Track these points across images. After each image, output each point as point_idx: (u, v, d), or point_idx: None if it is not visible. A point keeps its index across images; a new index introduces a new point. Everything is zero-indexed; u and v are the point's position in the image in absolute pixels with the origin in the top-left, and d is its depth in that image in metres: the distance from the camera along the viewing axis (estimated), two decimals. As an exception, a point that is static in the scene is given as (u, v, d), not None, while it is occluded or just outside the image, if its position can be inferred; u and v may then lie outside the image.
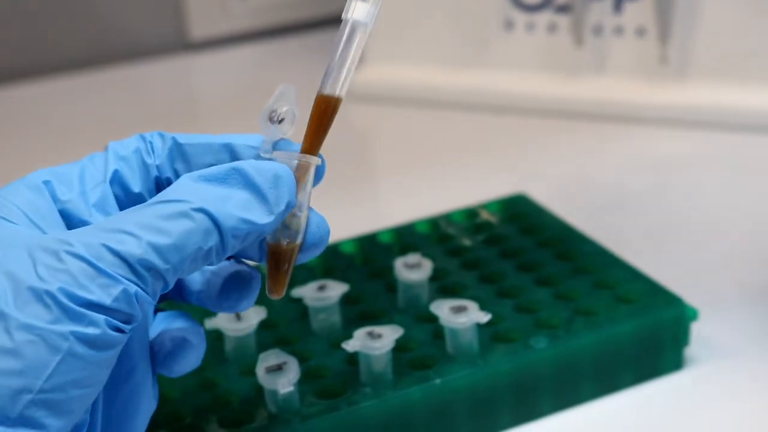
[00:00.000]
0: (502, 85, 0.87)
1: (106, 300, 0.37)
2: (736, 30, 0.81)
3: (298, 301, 0.55)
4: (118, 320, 0.38)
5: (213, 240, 0.39)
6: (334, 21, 1.05)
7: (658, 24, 0.81)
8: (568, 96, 0.85)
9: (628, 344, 0.53)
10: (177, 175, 0.43)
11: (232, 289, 0.44)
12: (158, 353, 0.44)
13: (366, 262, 0.60)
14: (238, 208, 0.40)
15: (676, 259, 0.65)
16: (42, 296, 0.37)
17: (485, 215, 0.63)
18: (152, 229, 0.38)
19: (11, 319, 0.37)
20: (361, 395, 0.49)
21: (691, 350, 0.55)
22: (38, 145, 0.88)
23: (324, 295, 0.54)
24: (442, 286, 0.57)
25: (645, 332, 0.53)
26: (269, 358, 0.49)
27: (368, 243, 0.61)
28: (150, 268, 0.38)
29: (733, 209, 0.71)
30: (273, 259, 0.42)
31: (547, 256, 0.59)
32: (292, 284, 0.57)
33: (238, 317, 0.53)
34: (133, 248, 0.38)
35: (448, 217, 0.63)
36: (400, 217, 0.65)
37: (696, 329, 0.55)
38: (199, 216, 0.39)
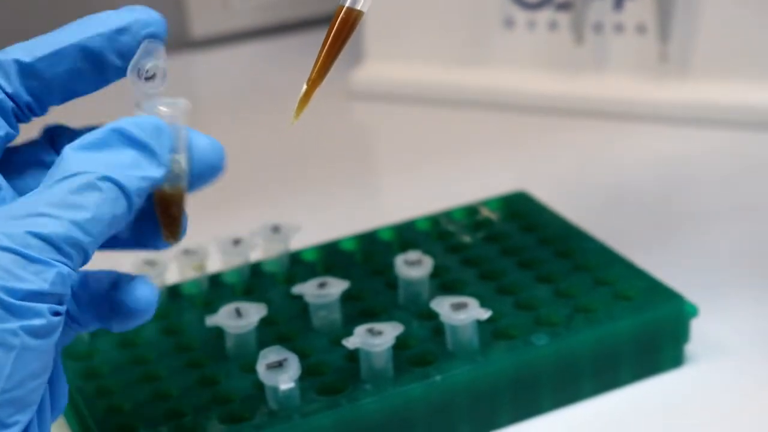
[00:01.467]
0: (503, 83, 0.87)
1: (44, 286, 0.37)
2: (736, 27, 0.81)
3: (299, 298, 0.55)
4: (55, 303, 0.38)
5: (122, 205, 0.39)
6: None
7: (658, 21, 0.81)
8: (569, 93, 0.85)
9: (628, 341, 0.53)
10: (35, 98, 0.42)
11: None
12: (103, 300, 0.42)
13: (366, 260, 0.60)
14: (132, 167, 0.39)
15: (676, 256, 0.65)
16: None
17: (486, 212, 0.64)
18: (67, 206, 0.38)
19: None
20: (361, 392, 0.49)
21: (691, 347, 0.55)
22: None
23: (324, 292, 0.54)
24: (443, 283, 0.57)
25: (645, 329, 0.54)
26: (270, 354, 0.49)
27: (369, 240, 0.62)
28: (74, 244, 0.38)
29: (732, 206, 0.71)
30: (161, 206, 0.42)
31: (547, 253, 0.59)
32: (293, 281, 0.57)
33: (239, 314, 0.53)
34: (56, 228, 0.38)
35: (448, 215, 0.63)
36: (401, 215, 0.65)
37: (696, 326, 0.55)
38: (106, 185, 0.39)
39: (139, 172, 0.40)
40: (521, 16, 0.86)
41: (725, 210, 0.71)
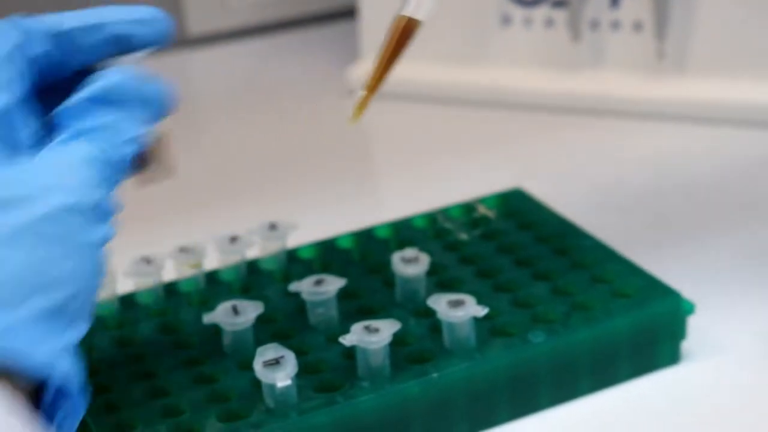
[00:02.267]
0: (500, 81, 0.87)
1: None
2: (733, 25, 0.81)
3: (296, 295, 0.55)
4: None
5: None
6: (332, 16, 1.04)
7: (655, 19, 0.82)
8: (565, 91, 0.85)
9: (625, 338, 0.53)
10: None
11: None
12: None
13: (363, 257, 0.60)
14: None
15: (673, 254, 0.65)
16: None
17: (482, 210, 0.64)
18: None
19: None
20: (358, 389, 0.49)
21: (687, 344, 0.56)
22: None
23: (321, 289, 0.54)
24: (440, 280, 0.57)
25: (642, 326, 0.54)
26: (267, 352, 0.49)
27: (366, 238, 0.62)
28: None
29: (729, 204, 0.71)
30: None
31: (544, 250, 0.59)
32: (290, 279, 0.57)
33: (236, 312, 0.53)
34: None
35: (445, 212, 0.63)
36: (398, 212, 0.65)
37: (693, 323, 0.56)
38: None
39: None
40: (518, 13, 0.86)
41: (722, 207, 0.71)
